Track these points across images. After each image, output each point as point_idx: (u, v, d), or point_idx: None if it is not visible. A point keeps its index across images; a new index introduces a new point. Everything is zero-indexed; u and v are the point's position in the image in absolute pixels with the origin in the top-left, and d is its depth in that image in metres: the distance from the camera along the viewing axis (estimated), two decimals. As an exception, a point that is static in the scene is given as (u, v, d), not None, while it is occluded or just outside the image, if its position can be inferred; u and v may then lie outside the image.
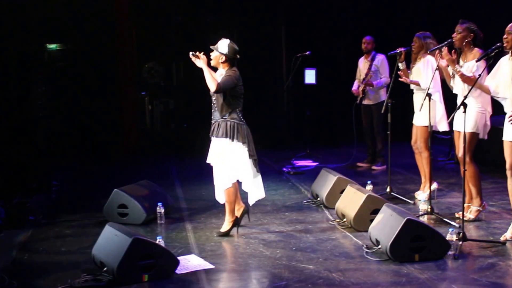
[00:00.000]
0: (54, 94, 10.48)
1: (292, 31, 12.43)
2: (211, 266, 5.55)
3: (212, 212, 7.45)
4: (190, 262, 5.65)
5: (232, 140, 6.32)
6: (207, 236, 6.49)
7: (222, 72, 6.42)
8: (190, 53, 6.46)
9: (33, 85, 9.01)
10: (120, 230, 5.44)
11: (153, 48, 12.45)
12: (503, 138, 6.02)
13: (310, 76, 11.01)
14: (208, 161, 6.58)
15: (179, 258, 5.53)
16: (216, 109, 6.42)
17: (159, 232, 6.66)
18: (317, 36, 12.32)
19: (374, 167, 10.09)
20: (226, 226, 6.57)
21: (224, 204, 6.56)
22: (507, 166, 6.00)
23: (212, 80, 6.23)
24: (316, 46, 11.39)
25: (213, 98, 6.43)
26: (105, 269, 5.27)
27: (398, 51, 7.78)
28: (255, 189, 6.56)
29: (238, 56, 6.45)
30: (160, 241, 5.64)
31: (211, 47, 6.48)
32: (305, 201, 7.88)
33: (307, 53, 10.23)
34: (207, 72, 6.31)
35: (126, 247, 5.13)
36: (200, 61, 6.37)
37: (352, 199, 6.75)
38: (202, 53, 6.41)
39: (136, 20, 12.03)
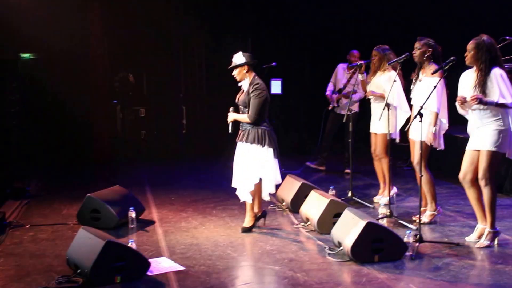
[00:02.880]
0: (27, 102, 10.54)
1: (258, 43, 12.66)
2: (181, 268, 5.66)
3: (182, 216, 7.61)
4: (160, 264, 5.75)
5: (263, 147, 6.67)
6: (177, 240, 6.60)
7: (247, 82, 6.74)
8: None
9: (6, 93, 9.07)
10: (94, 233, 5.51)
11: (124, 58, 12.57)
12: (467, 148, 6.16)
13: (276, 86, 11.21)
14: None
15: (150, 260, 5.61)
16: None
17: (130, 235, 6.73)
18: (282, 48, 12.55)
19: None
20: (249, 221, 6.87)
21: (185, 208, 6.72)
22: (460, 175, 6.20)
23: (245, 118, 6.67)
24: (282, 58, 11.64)
25: (245, 109, 6.73)
26: (79, 271, 5.32)
27: (358, 63, 8.07)
28: (271, 186, 6.96)
29: (256, 61, 6.80)
30: (132, 244, 5.66)
31: (229, 68, 6.77)
32: (271, 205, 8.02)
33: (273, 64, 10.50)
34: (237, 117, 6.75)
35: (99, 250, 5.21)
36: (231, 116, 6.80)
37: (315, 204, 6.93)
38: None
39: (108, 31, 12.15)
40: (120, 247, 5.40)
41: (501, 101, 5.85)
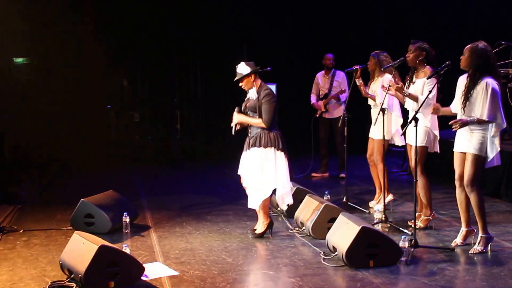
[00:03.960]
0: (20, 108, 10.52)
1: (253, 48, 12.66)
2: (175, 273, 5.65)
3: (176, 221, 7.59)
4: (155, 269, 5.73)
5: (277, 150, 6.63)
6: (171, 245, 6.58)
7: (255, 89, 6.70)
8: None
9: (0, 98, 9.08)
10: (88, 238, 5.49)
11: (119, 63, 12.57)
12: (454, 149, 6.21)
13: (271, 91, 11.26)
14: (240, 172, 6.82)
15: (144, 265, 5.58)
16: None
17: (124, 240, 6.72)
18: (277, 53, 12.57)
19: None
20: (261, 228, 6.80)
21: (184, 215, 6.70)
22: (456, 176, 6.21)
23: (259, 123, 6.60)
24: (276, 62, 11.65)
25: (255, 114, 6.68)
26: (72, 276, 5.32)
27: (354, 68, 8.06)
28: (287, 196, 6.87)
29: (259, 66, 6.77)
30: (126, 249, 5.65)
31: (235, 80, 6.74)
32: (266, 210, 8.08)
33: (268, 69, 10.50)
34: (248, 120, 6.68)
35: (93, 254, 5.18)
36: (236, 118, 6.71)
37: (310, 209, 6.92)
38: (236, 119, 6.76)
39: (102, 35, 12.15)
40: (114, 252, 5.37)
41: (481, 117, 5.89)
